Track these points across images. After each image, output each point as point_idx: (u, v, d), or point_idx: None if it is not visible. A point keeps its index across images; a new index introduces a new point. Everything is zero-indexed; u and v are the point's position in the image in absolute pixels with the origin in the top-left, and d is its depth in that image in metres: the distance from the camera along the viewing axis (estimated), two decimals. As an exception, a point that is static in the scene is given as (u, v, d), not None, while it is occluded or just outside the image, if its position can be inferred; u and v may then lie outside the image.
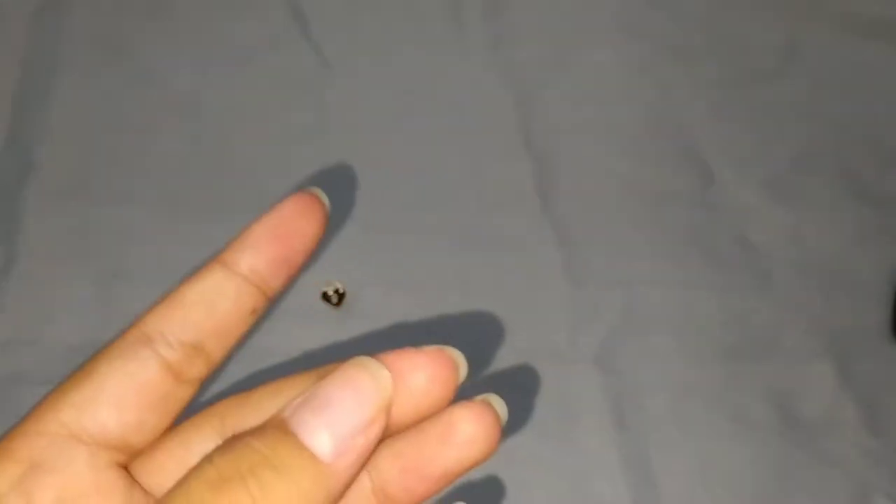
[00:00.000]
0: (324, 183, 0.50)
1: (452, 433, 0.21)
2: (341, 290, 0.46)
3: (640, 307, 0.47)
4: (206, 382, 0.23)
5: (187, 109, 0.51)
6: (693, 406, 0.45)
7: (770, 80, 0.54)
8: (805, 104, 0.53)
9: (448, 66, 0.54)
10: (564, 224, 0.49)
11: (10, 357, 0.44)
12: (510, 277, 0.48)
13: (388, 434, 0.21)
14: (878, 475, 0.43)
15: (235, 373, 0.37)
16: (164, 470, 0.22)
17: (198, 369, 0.22)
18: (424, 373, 0.21)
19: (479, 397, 0.22)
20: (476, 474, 0.42)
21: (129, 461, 0.22)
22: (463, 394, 0.22)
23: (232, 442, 0.19)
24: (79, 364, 0.22)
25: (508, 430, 0.44)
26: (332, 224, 0.48)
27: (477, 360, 0.45)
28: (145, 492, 0.22)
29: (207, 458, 0.19)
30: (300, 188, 0.23)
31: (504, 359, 0.45)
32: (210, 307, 0.22)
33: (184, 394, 0.22)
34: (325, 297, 0.46)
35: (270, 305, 0.23)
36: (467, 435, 0.21)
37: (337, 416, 0.19)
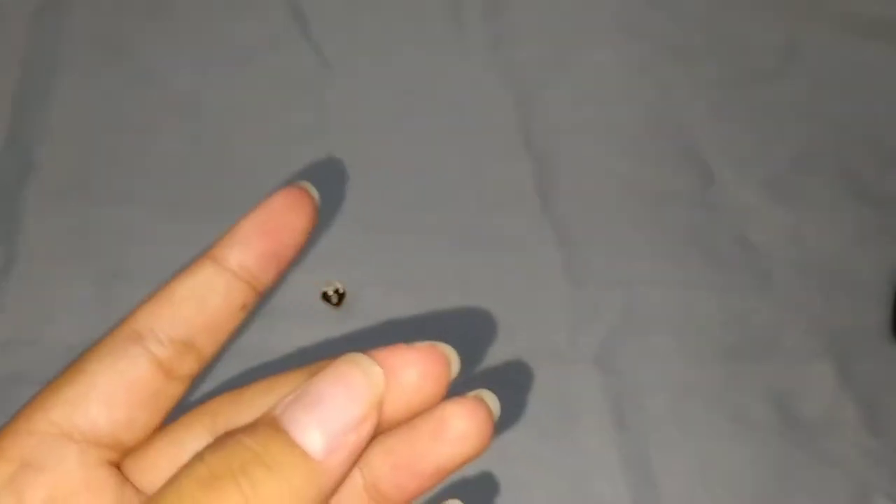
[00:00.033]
0: (323, 182, 0.50)
1: (444, 429, 0.21)
2: (341, 290, 0.46)
3: (640, 307, 0.47)
4: (197, 379, 0.23)
5: (187, 109, 0.51)
6: (693, 406, 0.45)
7: (770, 80, 0.54)
8: (805, 104, 0.53)
9: (448, 66, 0.54)
10: (564, 224, 0.49)
11: (10, 357, 0.44)
12: (510, 277, 0.48)
13: (381, 431, 0.21)
14: (878, 475, 0.43)
15: (234, 372, 0.37)
16: (155, 468, 0.22)
17: (189, 366, 0.22)
18: (416, 369, 0.21)
19: (472, 393, 0.22)
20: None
21: (120, 459, 0.22)
22: (458, 391, 0.22)
23: (223, 440, 0.19)
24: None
25: (508, 429, 0.44)
26: (333, 224, 0.49)
27: (477, 360, 0.45)
28: (137, 490, 0.22)
29: (198, 456, 0.19)
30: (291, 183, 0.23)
31: (504, 359, 0.45)
32: (200, 303, 0.22)
33: (175, 390, 0.22)
34: (325, 297, 0.46)
35: (261, 300, 0.23)
36: (459, 431, 0.21)
37: (328, 413, 0.19)
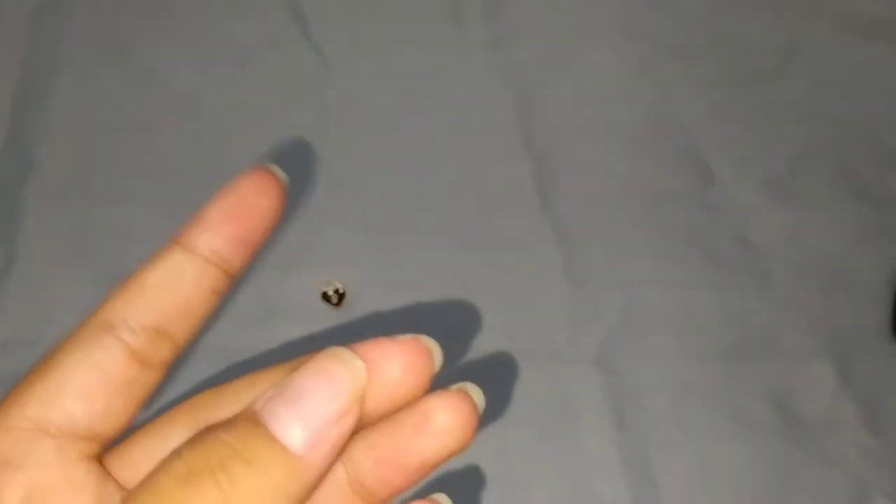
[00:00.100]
0: (324, 182, 0.50)
1: (428, 423, 0.21)
2: (341, 290, 0.46)
3: (640, 307, 0.47)
4: (172, 366, 0.22)
5: (187, 109, 0.51)
6: (693, 406, 0.45)
7: (770, 80, 0.54)
8: (805, 104, 0.53)
9: (448, 66, 0.54)
10: (564, 224, 0.49)
11: (10, 357, 0.44)
12: (510, 277, 0.48)
13: (364, 425, 0.20)
14: (878, 475, 0.43)
15: (233, 372, 0.37)
16: (138, 463, 0.22)
17: (163, 353, 0.22)
18: (399, 362, 0.21)
19: (456, 386, 0.22)
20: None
21: (100, 452, 0.22)
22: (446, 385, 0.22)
23: (201, 436, 0.19)
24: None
25: (509, 429, 0.44)
26: (333, 224, 0.49)
27: (477, 359, 0.45)
28: (119, 485, 0.21)
29: (176, 453, 0.19)
30: (256, 163, 0.23)
31: (504, 359, 0.45)
32: (171, 290, 0.22)
33: (150, 379, 0.22)
34: (325, 297, 0.46)
35: (234, 284, 0.23)
36: (443, 425, 0.21)
37: (309, 407, 0.19)
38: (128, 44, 0.53)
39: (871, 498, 0.43)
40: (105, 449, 0.22)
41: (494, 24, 0.55)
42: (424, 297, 0.47)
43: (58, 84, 0.52)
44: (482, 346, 0.46)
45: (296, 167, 0.50)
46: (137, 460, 0.22)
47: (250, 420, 0.19)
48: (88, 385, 0.21)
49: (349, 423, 0.19)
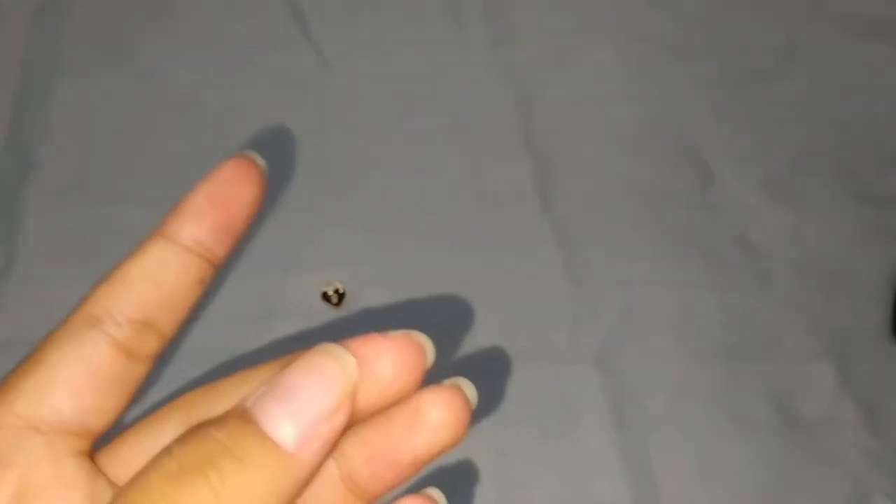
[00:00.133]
0: (323, 182, 0.50)
1: (420, 419, 0.21)
2: (341, 290, 0.46)
3: (640, 307, 0.47)
4: (159, 358, 0.22)
5: (187, 109, 0.51)
6: (693, 406, 0.45)
7: (770, 80, 0.54)
8: (805, 104, 0.53)
9: (448, 66, 0.54)
10: (564, 224, 0.49)
11: (10, 357, 0.44)
12: (510, 277, 0.48)
13: (356, 421, 0.20)
14: (878, 475, 0.43)
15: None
16: (129, 461, 0.22)
17: (150, 345, 0.22)
18: (390, 357, 0.20)
19: (448, 381, 0.21)
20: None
21: (90, 447, 0.21)
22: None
23: (192, 433, 0.19)
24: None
25: (509, 429, 0.44)
26: (333, 224, 0.49)
27: (476, 359, 0.45)
28: (111, 482, 0.21)
29: (167, 450, 0.19)
30: (236, 153, 0.23)
31: (504, 359, 0.45)
32: (155, 281, 0.22)
33: (138, 371, 0.22)
34: (325, 297, 0.46)
35: (217, 273, 0.23)
36: (436, 420, 0.21)
37: (301, 403, 0.19)
38: (128, 44, 0.53)
39: (871, 498, 0.43)
40: (96, 444, 0.22)
41: (494, 24, 0.55)
42: (424, 297, 0.47)
43: (58, 84, 0.52)
44: (482, 345, 0.46)
45: (296, 167, 0.50)
46: (129, 458, 0.22)
47: (241, 417, 0.19)
48: (76, 380, 0.21)
49: (340, 419, 0.19)
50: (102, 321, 0.21)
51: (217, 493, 0.18)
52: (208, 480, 0.18)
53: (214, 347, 0.43)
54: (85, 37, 0.53)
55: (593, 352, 0.46)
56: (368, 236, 0.48)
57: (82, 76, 0.52)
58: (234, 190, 0.22)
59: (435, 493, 0.21)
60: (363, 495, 0.22)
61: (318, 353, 0.20)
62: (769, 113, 0.53)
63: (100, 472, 0.21)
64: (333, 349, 0.20)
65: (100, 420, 0.21)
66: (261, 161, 0.23)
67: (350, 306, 0.46)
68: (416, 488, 0.22)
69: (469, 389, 0.22)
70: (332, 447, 0.19)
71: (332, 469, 0.22)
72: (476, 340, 0.46)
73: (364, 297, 0.47)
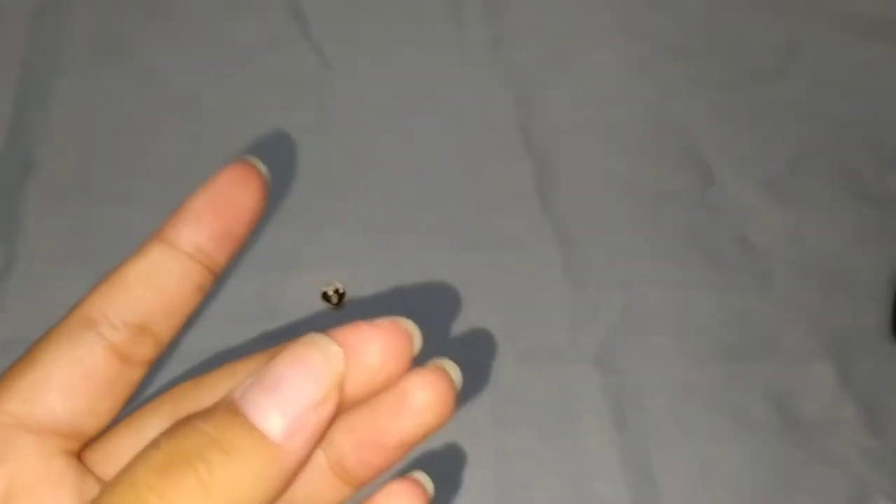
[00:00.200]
0: (323, 182, 0.50)
1: (406, 402, 0.21)
2: (341, 290, 0.46)
3: (640, 307, 0.47)
4: (155, 364, 0.22)
5: (187, 109, 0.51)
6: (693, 406, 0.45)
7: (770, 80, 0.54)
8: (805, 104, 0.53)
9: (448, 66, 0.54)
10: (564, 224, 0.49)
11: (10, 357, 0.44)
12: (510, 277, 0.48)
13: (344, 409, 0.20)
14: (878, 475, 0.43)
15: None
16: (117, 457, 0.21)
17: (145, 350, 0.22)
18: (378, 345, 0.21)
19: (432, 363, 0.21)
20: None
21: (79, 448, 0.21)
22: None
23: (179, 425, 0.19)
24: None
25: (508, 428, 0.44)
26: (333, 224, 0.49)
27: (475, 359, 0.45)
28: (99, 479, 0.21)
29: (154, 443, 0.19)
30: (238, 158, 0.22)
31: (504, 359, 0.45)
32: (153, 286, 0.21)
33: (132, 376, 0.22)
34: (325, 297, 0.46)
35: (217, 280, 0.22)
36: (421, 402, 0.21)
37: (288, 394, 0.19)
38: (128, 44, 0.53)
39: (871, 498, 0.43)
40: (85, 446, 0.22)
41: (494, 24, 0.55)
42: (424, 297, 0.47)
43: (58, 84, 0.52)
44: (482, 345, 0.46)
45: (295, 167, 0.50)
46: (117, 453, 0.22)
47: (228, 409, 0.19)
48: (70, 381, 0.21)
49: (328, 409, 0.19)
50: (98, 323, 0.21)
51: (205, 486, 0.18)
52: (196, 473, 0.18)
53: (214, 347, 0.43)
54: (85, 37, 0.53)
55: (593, 352, 0.46)
56: (368, 236, 0.48)
57: (82, 76, 0.52)
58: (235, 195, 0.22)
59: (421, 476, 0.21)
60: (352, 482, 0.22)
61: (303, 343, 0.20)
62: (769, 113, 0.53)
63: (87, 470, 0.21)
64: (319, 339, 0.20)
65: (92, 423, 0.21)
66: (262, 167, 0.22)
67: (350, 306, 0.46)
68: (402, 473, 0.22)
69: (453, 371, 0.22)
70: (321, 437, 0.19)
71: (320, 458, 0.22)
72: (476, 341, 0.46)
73: (364, 297, 0.47)
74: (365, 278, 0.47)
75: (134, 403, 0.23)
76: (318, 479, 0.22)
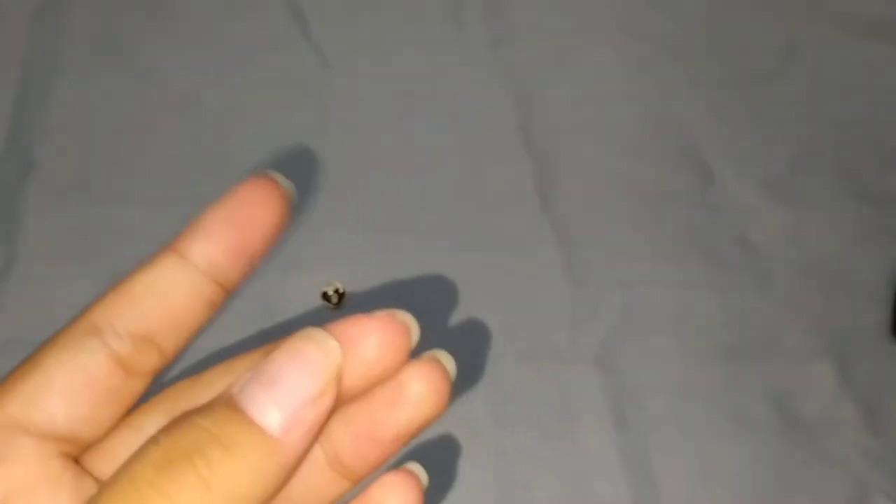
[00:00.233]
0: (324, 182, 0.50)
1: (402, 394, 0.21)
2: (341, 290, 0.46)
3: (640, 307, 0.47)
4: (159, 376, 0.22)
5: (187, 109, 0.51)
6: (693, 406, 0.45)
7: (770, 80, 0.54)
8: (805, 104, 0.53)
9: (448, 66, 0.54)
10: (564, 224, 0.49)
11: (10, 357, 0.44)
12: (510, 277, 0.48)
13: (342, 402, 0.20)
14: (878, 475, 0.43)
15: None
16: (115, 457, 0.21)
17: (149, 362, 0.21)
18: (375, 338, 0.20)
19: (427, 354, 0.21)
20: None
21: (78, 453, 0.21)
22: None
23: (178, 422, 0.19)
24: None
25: (508, 428, 0.44)
26: (333, 224, 0.49)
27: (475, 359, 0.45)
28: (96, 481, 0.21)
29: (153, 439, 0.19)
30: (258, 170, 0.22)
31: (504, 359, 0.45)
32: (161, 298, 0.21)
33: (135, 387, 0.21)
34: (325, 297, 0.46)
35: (229, 297, 0.22)
36: (417, 394, 0.21)
37: (285, 389, 0.19)
38: (128, 44, 0.53)
39: (871, 498, 0.43)
40: (83, 451, 0.21)
41: (494, 24, 0.55)
42: (424, 297, 0.47)
43: (58, 84, 0.52)
44: (482, 345, 0.46)
45: (296, 167, 0.50)
46: (115, 451, 0.22)
47: (227, 404, 0.19)
48: (71, 388, 0.21)
49: (326, 403, 0.19)
50: (103, 332, 0.21)
51: (204, 481, 0.18)
52: (195, 468, 0.18)
53: (213, 347, 0.43)
54: (85, 37, 0.53)
55: (593, 352, 0.46)
56: (368, 236, 0.48)
57: (82, 76, 0.52)
58: (253, 211, 0.21)
59: (415, 467, 0.21)
60: (349, 475, 0.22)
61: (300, 338, 0.20)
62: (769, 113, 0.53)
63: (85, 472, 0.21)
64: (316, 334, 0.20)
65: (92, 430, 0.21)
66: (286, 182, 0.22)
67: (350, 306, 0.46)
68: (396, 465, 0.22)
69: (448, 361, 0.22)
70: (319, 431, 0.19)
71: (317, 452, 0.22)
72: (476, 341, 0.46)
73: (364, 297, 0.47)
74: (365, 278, 0.47)
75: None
76: (316, 475, 0.22)
